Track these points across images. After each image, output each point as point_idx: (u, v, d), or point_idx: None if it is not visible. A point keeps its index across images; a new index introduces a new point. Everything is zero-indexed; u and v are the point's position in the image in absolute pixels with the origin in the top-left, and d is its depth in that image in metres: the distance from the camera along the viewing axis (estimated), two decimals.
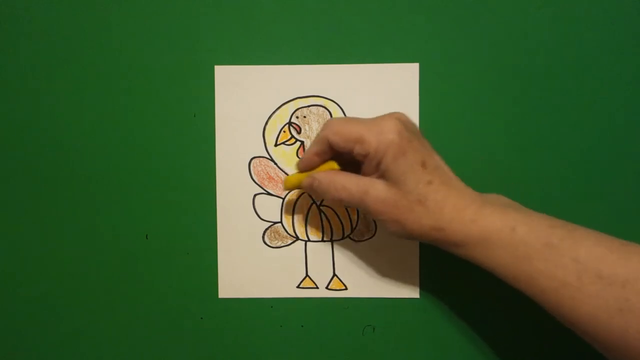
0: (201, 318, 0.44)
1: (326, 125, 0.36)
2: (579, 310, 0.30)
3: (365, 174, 0.36)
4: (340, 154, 0.37)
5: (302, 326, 0.44)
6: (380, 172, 0.34)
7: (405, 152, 0.33)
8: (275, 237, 0.44)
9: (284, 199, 0.43)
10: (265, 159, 0.43)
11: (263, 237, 0.44)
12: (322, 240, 0.43)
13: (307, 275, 0.44)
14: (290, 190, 0.42)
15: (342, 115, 0.43)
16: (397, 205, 0.34)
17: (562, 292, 0.30)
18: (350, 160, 0.37)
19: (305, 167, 0.38)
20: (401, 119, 0.35)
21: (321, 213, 0.43)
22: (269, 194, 0.43)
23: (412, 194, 0.33)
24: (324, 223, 0.43)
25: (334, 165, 0.37)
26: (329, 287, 0.44)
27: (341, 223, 0.43)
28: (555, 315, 0.31)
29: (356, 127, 0.35)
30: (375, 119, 0.35)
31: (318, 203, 0.43)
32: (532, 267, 0.31)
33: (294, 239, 0.44)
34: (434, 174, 0.34)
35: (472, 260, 0.34)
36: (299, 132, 0.43)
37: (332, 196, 0.36)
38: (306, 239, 0.44)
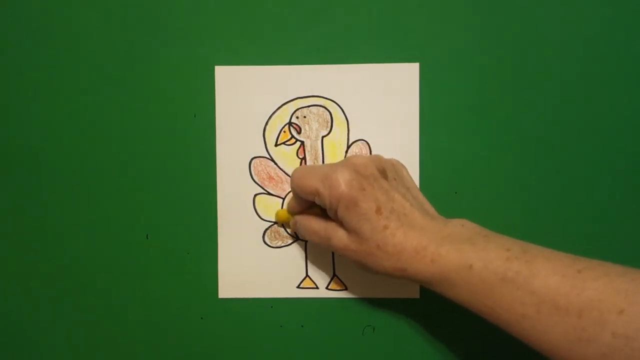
0: (201, 318, 0.44)
1: (291, 177, 0.39)
2: (541, 340, 0.30)
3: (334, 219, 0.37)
4: None
5: (302, 326, 0.44)
6: (339, 222, 0.36)
7: (356, 202, 0.34)
8: (275, 237, 0.44)
9: (284, 199, 0.43)
10: (265, 159, 0.43)
11: (263, 237, 0.44)
12: None
13: (307, 275, 0.44)
14: (280, 223, 0.43)
15: (343, 116, 0.43)
16: (357, 251, 0.35)
17: (523, 324, 0.31)
18: None
19: (291, 212, 0.41)
20: (356, 165, 0.36)
21: None
22: (269, 194, 0.43)
23: (370, 241, 0.34)
24: None
25: (316, 209, 0.39)
26: (329, 287, 0.44)
27: None
28: (524, 342, 0.32)
29: (312, 181, 0.36)
30: (331, 168, 0.36)
31: None
32: (493, 302, 0.32)
33: (294, 239, 0.44)
34: (390, 218, 0.34)
35: (444, 295, 0.35)
36: (299, 132, 0.43)
37: (307, 239, 0.40)
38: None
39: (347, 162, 0.36)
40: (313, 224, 0.38)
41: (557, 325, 0.30)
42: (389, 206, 0.35)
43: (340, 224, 0.36)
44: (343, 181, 0.35)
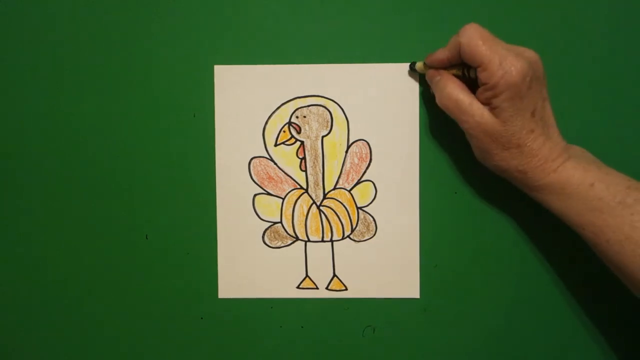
0: (201, 318, 0.44)
1: (465, 31, 0.37)
2: (635, 264, 0.34)
3: (477, 96, 0.37)
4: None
5: (302, 326, 0.44)
6: (492, 105, 0.36)
7: (522, 97, 0.35)
8: (275, 237, 0.44)
9: (284, 199, 0.43)
10: (265, 159, 0.43)
11: (263, 237, 0.44)
12: (322, 240, 0.43)
13: (307, 275, 0.44)
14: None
15: (343, 115, 0.43)
16: (495, 140, 0.37)
17: (625, 245, 0.34)
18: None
19: (431, 62, 0.40)
20: (531, 61, 0.36)
21: (321, 213, 0.43)
22: (269, 194, 0.43)
23: (513, 136, 0.36)
24: (324, 223, 0.43)
25: (454, 71, 0.39)
26: (329, 287, 0.44)
27: (341, 223, 0.43)
28: (611, 264, 0.36)
29: (487, 53, 0.35)
30: (509, 51, 0.35)
31: (318, 203, 0.43)
32: (602, 220, 0.35)
33: (294, 239, 0.44)
34: (538, 123, 0.36)
35: (543, 203, 0.38)
36: (298, 132, 0.43)
37: (442, 100, 0.38)
38: (306, 239, 0.43)
39: (523, 55, 0.36)
40: (458, 92, 0.37)
41: None
42: (541, 112, 0.36)
43: (485, 104, 0.36)
44: (521, 70, 0.35)
